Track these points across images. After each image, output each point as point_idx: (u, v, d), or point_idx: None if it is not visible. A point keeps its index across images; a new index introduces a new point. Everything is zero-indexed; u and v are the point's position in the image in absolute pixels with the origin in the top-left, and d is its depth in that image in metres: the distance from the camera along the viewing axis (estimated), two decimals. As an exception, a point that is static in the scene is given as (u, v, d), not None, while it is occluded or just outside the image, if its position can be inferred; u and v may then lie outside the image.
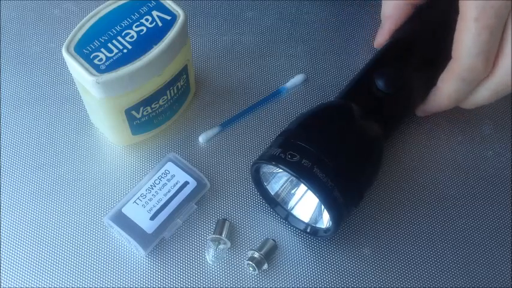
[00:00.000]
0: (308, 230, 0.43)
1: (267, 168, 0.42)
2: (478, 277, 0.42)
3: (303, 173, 0.37)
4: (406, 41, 0.45)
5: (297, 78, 0.50)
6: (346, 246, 0.43)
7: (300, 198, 0.43)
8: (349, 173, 0.39)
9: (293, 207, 0.43)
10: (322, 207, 0.41)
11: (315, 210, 0.42)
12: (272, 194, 0.44)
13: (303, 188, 0.43)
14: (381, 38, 0.48)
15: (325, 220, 0.41)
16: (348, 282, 0.42)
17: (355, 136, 0.40)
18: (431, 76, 0.43)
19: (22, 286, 0.41)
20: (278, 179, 0.43)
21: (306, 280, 0.42)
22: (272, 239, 0.43)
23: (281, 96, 0.50)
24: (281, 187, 0.44)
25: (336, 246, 0.43)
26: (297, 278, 0.42)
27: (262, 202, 0.45)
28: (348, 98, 0.43)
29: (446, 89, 0.42)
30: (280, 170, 0.40)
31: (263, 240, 0.43)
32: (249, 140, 0.47)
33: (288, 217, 0.43)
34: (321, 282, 0.42)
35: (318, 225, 0.42)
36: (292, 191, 0.43)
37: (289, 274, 0.42)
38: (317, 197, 0.37)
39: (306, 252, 0.43)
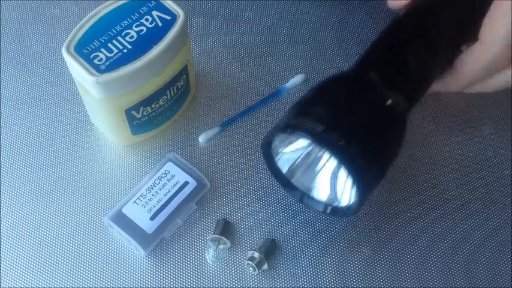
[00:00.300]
0: (328, 211, 0.41)
1: (279, 141, 0.40)
2: (478, 277, 0.42)
3: (349, 160, 0.34)
4: (431, 12, 0.41)
5: (297, 78, 0.50)
6: (346, 246, 0.43)
7: (316, 175, 0.41)
8: (380, 151, 0.36)
9: (310, 186, 0.42)
10: (343, 184, 0.39)
11: (332, 187, 0.40)
12: (284, 171, 0.42)
13: (320, 163, 0.41)
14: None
15: (346, 198, 0.39)
16: (348, 282, 0.42)
17: (384, 110, 0.37)
18: (451, 54, 0.41)
19: (22, 286, 0.41)
20: (290, 154, 0.41)
21: (306, 280, 0.42)
22: (272, 239, 0.43)
23: (281, 96, 0.50)
24: (293, 163, 0.41)
25: (336, 246, 0.43)
26: (297, 278, 0.42)
27: (263, 202, 0.45)
28: (369, 67, 0.39)
29: (467, 73, 0.40)
30: (295, 144, 0.39)
31: (263, 240, 0.43)
32: (249, 140, 0.47)
33: (303, 198, 0.42)
34: (321, 282, 0.42)
35: (338, 204, 0.40)
36: (308, 168, 0.41)
37: (289, 274, 0.42)
38: (356, 183, 0.35)
39: (306, 252, 0.43)
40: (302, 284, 0.42)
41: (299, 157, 0.42)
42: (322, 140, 0.35)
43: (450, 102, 0.50)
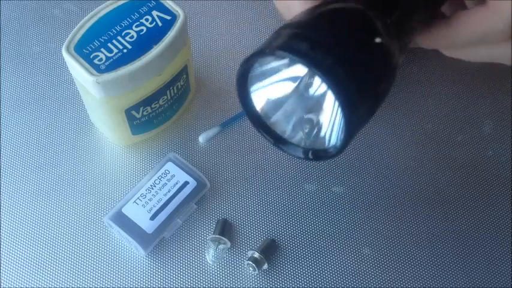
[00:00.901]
0: (310, 156, 0.37)
1: (257, 75, 0.37)
2: (478, 277, 0.42)
3: (338, 82, 0.31)
4: None
5: (297, 78, 0.50)
6: (346, 246, 0.43)
7: (294, 116, 0.38)
8: (372, 84, 0.33)
9: (286, 129, 0.38)
10: (325, 121, 0.37)
11: (314, 128, 0.38)
12: (260, 111, 0.38)
13: (297, 101, 0.38)
14: None
15: (327, 137, 0.37)
16: (348, 282, 0.42)
17: (374, 44, 0.33)
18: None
19: (22, 286, 0.41)
20: (265, 91, 0.38)
21: (306, 280, 0.42)
22: (272, 239, 0.43)
23: (281, 96, 0.50)
24: (269, 101, 0.38)
25: (336, 246, 0.43)
26: (297, 278, 0.42)
27: (263, 202, 0.45)
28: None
29: (462, 33, 0.37)
30: (273, 77, 0.36)
31: (263, 240, 0.43)
32: (249, 140, 0.47)
33: (279, 143, 0.38)
34: (321, 282, 0.42)
35: (319, 147, 0.37)
36: (286, 108, 0.38)
37: (289, 274, 0.42)
38: (344, 112, 0.32)
39: (306, 252, 0.43)
40: (302, 284, 0.42)
41: (276, 95, 0.38)
42: (309, 59, 0.31)
43: (450, 102, 0.50)
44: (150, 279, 0.42)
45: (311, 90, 0.38)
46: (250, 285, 0.42)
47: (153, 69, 0.39)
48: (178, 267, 0.42)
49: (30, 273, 0.42)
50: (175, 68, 0.42)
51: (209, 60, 0.51)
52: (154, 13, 0.40)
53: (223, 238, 0.42)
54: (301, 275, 0.42)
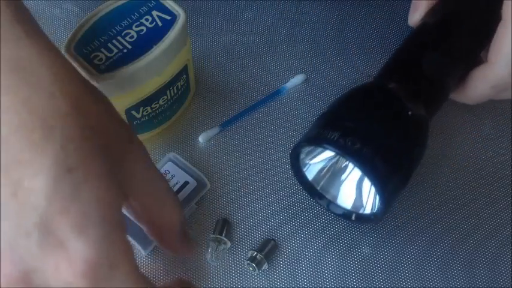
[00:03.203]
0: (352, 218, 0.42)
1: (306, 153, 0.41)
2: (478, 277, 0.42)
3: (366, 164, 0.35)
4: (448, 22, 0.42)
5: (297, 78, 0.50)
6: (346, 246, 0.43)
7: (342, 184, 0.42)
8: (402, 159, 0.37)
9: (335, 194, 0.42)
10: (367, 192, 0.41)
11: (358, 195, 0.41)
12: (310, 179, 0.43)
13: (346, 172, 0.42)
14: (417, 15, 0.44)
15: (370, 205, 0.41)
16: (348, 282, 0.42)
17: (404, 118, 0.38)
18: (469, 63, 0.42)
19: (22, 286, 0.41)
20: (317, 165, 0.42)
21: (306, 280, 0.42)
22: (272, 239, 0.43)
23: (281, 96, 0.50)
24: (320, 172, 0.42)
25: (336, 246, 0.43)
26: (297, 278, 0.42)
27: (262, 202, 0.45)
28: (389, 78, 0.41)
29: (474, 90, 0.41)
30: (322, 154, 0.40)
31: (263, 240, 0.43)
32: (249, 140, 0.47)
33: (329, 206, 0.43)
34: (321, 282, 0.42)
35: (363, 211, 0.41)
36: (334, 177, 0.42)
37: (289, 274, 0.42)
38: (377, 189, 0.36)
39: (306, 252, 0.43)
40: (302, 284, 0.42)
41: (325, 166, 0.43)
42: (338, 146, 0.36)
43: (449, 102, 0.50)
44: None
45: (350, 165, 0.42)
46: (250, 285, 0.42)
47: (153, 69, 0.39)
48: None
49: (30, 273, 0.41)
50: (175, 68, 0.42)
51: (209, 60, 0.51)
52: (154, 13, 0.40)
53: (223, 238, 0.42)
54: (301, 275, 0.42)
